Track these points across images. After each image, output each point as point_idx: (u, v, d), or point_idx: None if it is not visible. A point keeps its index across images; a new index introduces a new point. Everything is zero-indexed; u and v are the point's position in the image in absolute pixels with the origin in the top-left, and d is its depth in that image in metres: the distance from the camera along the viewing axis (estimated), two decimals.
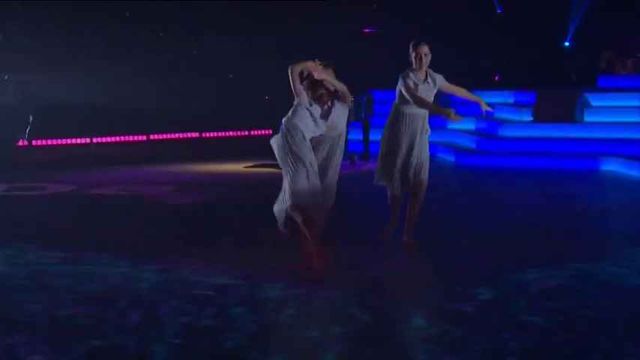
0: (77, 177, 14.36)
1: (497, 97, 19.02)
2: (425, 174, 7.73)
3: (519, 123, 17.60)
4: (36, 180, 13.71)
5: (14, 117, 16.14)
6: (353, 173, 14.77)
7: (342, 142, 6.99)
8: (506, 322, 5.41)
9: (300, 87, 6.61)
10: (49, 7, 20.71)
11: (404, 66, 7.71)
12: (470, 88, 8.09)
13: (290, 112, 6.64)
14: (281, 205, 6.72)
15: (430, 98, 7.67)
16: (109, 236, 8.70)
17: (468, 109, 18.37)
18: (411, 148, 7.65)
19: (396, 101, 7.73)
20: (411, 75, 7.59)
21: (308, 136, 6.65)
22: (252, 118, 23.79)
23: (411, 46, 7.65)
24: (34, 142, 19.79)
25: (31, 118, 16.54)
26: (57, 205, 11.28)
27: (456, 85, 7.90)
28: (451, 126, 18.08)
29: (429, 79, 7.66)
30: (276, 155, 6.75)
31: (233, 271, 6.87)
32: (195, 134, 24.26)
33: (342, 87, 6.75)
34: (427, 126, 7.77)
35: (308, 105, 6.61)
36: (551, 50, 21.75)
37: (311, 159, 6.59)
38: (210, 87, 23.68)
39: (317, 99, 6.67)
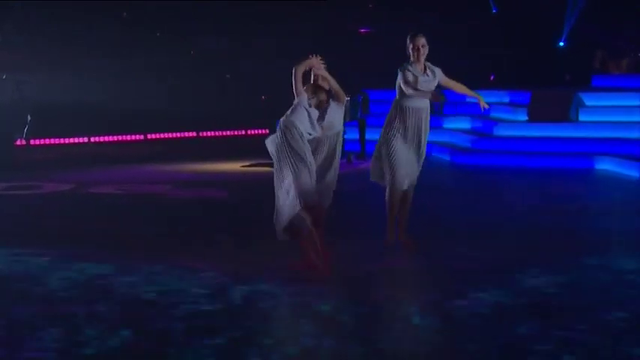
0: (75, 176, 14.40)
1: (492, 97, 19.03)
2: (418, 173, 7.70)
3: (514, 122, 17.66)
4: (34, 179, 13.76)
5: (12, 116, 16.21)
6: (349, 172, 14.76)
7: (340, 141, 7.03)
8: (505, 321, 5.43)
9: (301, 88, 6.65)
10: (47, 7, 20.72)
11: (398, 64, 7.60)
12: (468, 88, 8.14)
13: (289, 111, 6.66)
14: (284, 208, 6.65)
15: (429, 90, 7.51)
16: (107, 235, 8.71)
17: (463, 108, 18.47)
18: (417, 145, 7.55)
19: (397, 97, 7.60)
20: (410, 68, 7.46)
21: (305, 135, 6.66)
22: (249, 117, 23.82)
23: (408, 39, 7.52)
24: (32, 142, 19.83)
25: (29, 118, 16.61)
26: (55, 204, 11.32)
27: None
28: (447, 125, 18.19)
29: (428, 71, 7.53)
30: (273, 154, 6.74)
31: (232, 269, 6.89)
32: (193, 133, 24.29)
33: (337, 86, 6.78)
34: (428, 124, 7.68)
35: (307, 106, 6.65)
36: (546, 50, 21.80)
37: (311, 159, 6.61)
38: (208, 87, 23.70)
39: (317, 104, 6.73)
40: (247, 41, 23.49)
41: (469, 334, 5.14)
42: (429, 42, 7.49)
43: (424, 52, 7.45)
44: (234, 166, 15.86)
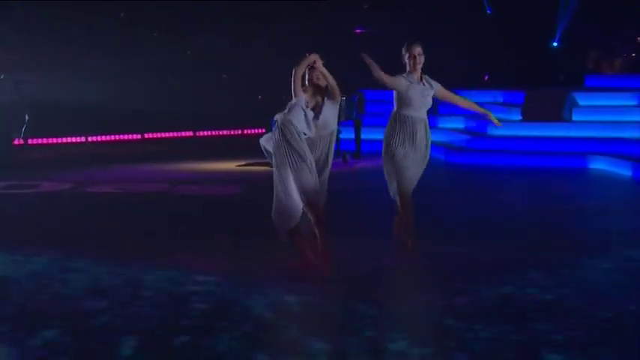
0: (73, 175, 14.45)
1: (486, 97, 19.19)
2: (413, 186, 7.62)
3: (508, 122, 17.68)
4: (32, 178, 13.81)
5: (10, 116, 16.25)
6: (345, 171, 14.90)
7: (333, 140, 7.05)
8: (505, 321, 5.42)
9: (300, 89, 6.66)
10: (45, 7, 20.74)
11: (396, 65, 7.52)
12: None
13: (286, 110, 6.67)
14: (287, 209, 6.64)
15: (426, 100, 7.44)
16: (105, 234, 8.71)
17: (456, 108, 18.54)
18: (421, 158, 7.52)
19: (395, 108, 7.53)
20: (405, 75, 7.41)
21: (302, 135, 6.66)
22: (246, 117, 23.86)
23: (404, 48, 7.45)
24: (30, 141, 19.87)
25: (27, 117, 16.66)
26: (52, 203, 11.35)
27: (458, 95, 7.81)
28: (441, 124, 18.29)
29: (424, 81, 7.46)
30: (269, 153, 6.73)
31: (231, 268, 6.90)
32: (189, 133, 24.34)
33: (334, 82, 6.79)
34: (429, 137, 7.61)
35: (304, 106, 6.67)
36: (540, 50, 21.89)
37: (310, 157, 6.62)
38: (204, 86, 23.74)
39: (314, 106, 6.76)
40: (244, 41, 23.52)
41: (469, 334, 5.14)
42: (424, 50, 7.42)
43: (420, 60, 7.37)
44: (231, 166, 15.92)
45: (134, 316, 5.58)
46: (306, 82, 6.78)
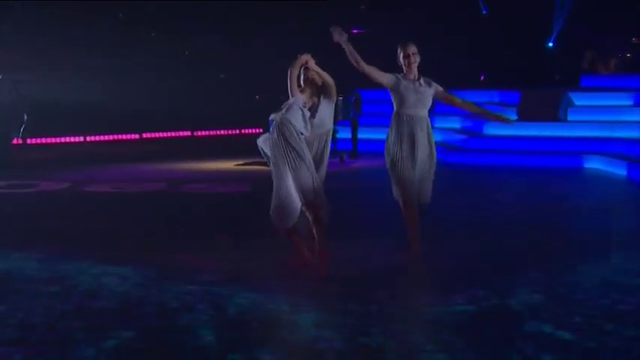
0: (71, 175, 14.53)
1: (482, 97, 19.28)
2: (426, 191, 7.28)
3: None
4: (31, 178, 13.87)
5: (9, 116, 16.32)
6: (342, 171, 14.97)
7: (329, 138, 7.03)
8: (505, 320, 5.42)
9: (297, 89, 6.68)
10: (44, 7, 20.79)
11: (392, 66, 7.39)
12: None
13: (283, 110, 6.67)
14: (286, 208, 6.63)
15: (423, 98, 7.20)
16: (103, 233, 8.70)
17: (453, 108, 18.60)
18: (427, 158, 7.25)
19: (394, 108, 7.33)
20: (400, 76, 7.23)
21: (300, 134, 6.65)
22: (243, 116, 23.93)
23: (398, 47, 7.29)
24: (28, 141, 19.93)
25: (25, 117, 16.73)
26: (51, 203, 11.38)
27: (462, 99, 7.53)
28: (437, 124, 18.37)
29: (422, 80, 7.25)
30: (267, 154, 6.72)
31: (229, 267, 6.91)
32: (187, 133, 24.42)
33: (330, 79, 6.79)
34: (431, 136, 7.36)
35: (302, 106, 6.68)
36: (536, 51, 21.96)
37: (309, 157, 6.62)
38: (203, 86, 23.82)
39: (310, 106, 6.75)
40: (241, 41, 23.58)
41: (468, 333, 5.13)
42: (420, 50, 7.26)
43: (415, 59, 7.19)
44: (228, 165, 16.00)
45: (133, 315, 5.56)
46: (302, 82, 6.79)
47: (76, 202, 11.43)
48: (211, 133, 24.67)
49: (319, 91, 6.84)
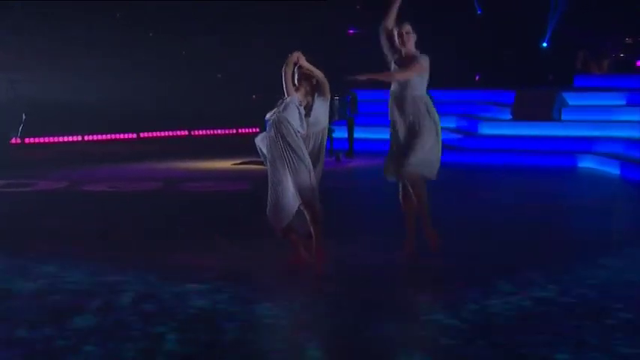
0: (70, 174, 14.58)
1: (477, 96, 19.45)
2: (409, 162, 7.02)
3: (499, 121, 17.92)
4: (29, 177, 13.90)
5: (7, 115, 16.39)
6: (338, 170, 15.04)
7: (325, 136, 7.04)
8: (506, 319, 5.38)
9: (292, 88, 6.69)
10: (42, 7, 20.84)
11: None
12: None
13: (280, 108, 6.66)
14: (284, 207, 6.62)
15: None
16: (100, 232, 8.67)
17: (449, 107, 18.71)
18: (410, 136, 7.08)
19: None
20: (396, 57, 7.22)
21: (297, 133, 6.65)
22: (240, 116, 23.98)
23: (395, 28, 7.25)
24: (26, 140, 19.99)
25: (23, 117, 16.79)
26: (50, 202, 11.38)
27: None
28: None
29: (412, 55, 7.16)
30: (264, 153, 6.72)
31: (227, 266, 6.90)
32: (185, 132, 24.47)
33: (322, 76, 6.80)
34: (422, 116, 7.10)
35: (298, 104, 6.69)
36: (530, 51, 22.05)
37: (307, 155, 6.64)
38: (199, 86, 23.85)
39: (306, 104, 6.76)
40: (239, 41, 23.62)
41: (468, 333, 5.09)
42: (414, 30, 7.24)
43: (408, 38, 7.18)
44: (225, 164, 16.06)
45: (131, 315, 5.50)
46: (296, 81, 6.79)
47: (74, 202, 11.42)
48: (208, 132, 24.71)
49: (313, 89, 6.84)
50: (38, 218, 9.80)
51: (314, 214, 6.64)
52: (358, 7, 23.54)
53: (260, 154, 6.83)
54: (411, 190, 7.09)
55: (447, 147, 17.20)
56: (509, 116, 17.77)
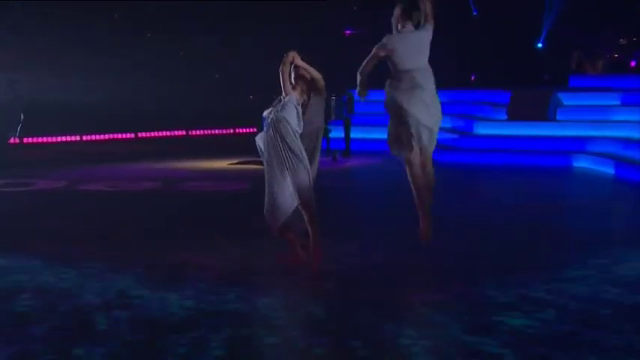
0: (68, 174, 14.63)
1: (473, 96, 19.52)
2: (427, 141, 7.18)
3: (494, 121, 17.98)
4: (28, 177, 13.95)
5: (6, 115, 16.42)
6: (334, 170, 15.02)
7: (321, 136, 7.07)
8: (505, 319, 5.38)
9: (289, 87, 6.72)
10: (41, 7, 20.87)
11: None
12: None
13: (278, 107, 6.69)
14: (281, 206, 6.64)
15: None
16: (100, 232, 8.68)
17: (443, 107, 18.74)
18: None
19: None
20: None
21: (296, 132, 6.66)
22: (237, 116, 24.01)
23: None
24: (25, 140, 20.02)
25: (22, 117, 16.81)
26: (48, 202, 11.40)
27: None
28: None
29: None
30: (263, 151, 6.73)
31: (225, 266, 6.91)
32: (182, 132, 24.51)
33: (317, 74, 6.82)
34: (419, 82, 7.21)
35: (296, 103, 6.70)
36: (525, 51, 22.10)
37: (305, 155, 6.65)
38: (197, 86, 23.88)
39: (303, 102, 6.78)
40: (236, 42, 23.64)
41: (467, 333, 5.10)
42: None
43: (399, 20, 7.36)
44: (222, 164, 16.12)
45: (130, 314, 5.51)
46: (292, 80, 6.79)
47: (73, 201, 11.44)
48: (206, 132, 24.74)
49: (309, 88, 6.85)
50: (37, 218, 9.81)
51: (312, 215, 6.66)
52: (355, 8, 23.58)
53: (260, 153, 6.85)
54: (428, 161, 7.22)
55: (442, 147, 17.36)
56: (505, 116, 17.83)
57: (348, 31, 24.02)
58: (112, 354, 4.76)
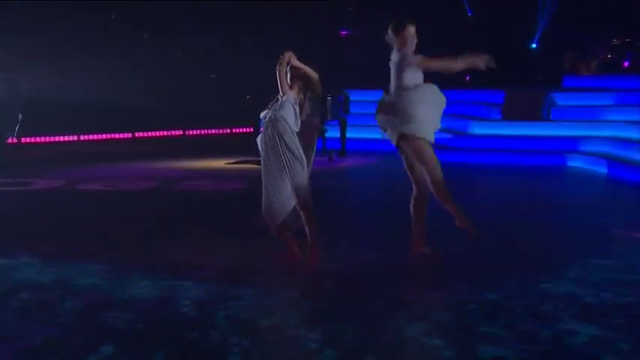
0: (66, 173, 14.70)
1: (467, 96, 19.65)
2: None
3: (489, 121, 18.12)
4: (26, 176, 14.01)
5: (4, 115, 16.47)
6: (330, 170, 15.08)
7: (316, 135, 7.10)
8: (505, 318, 5.38)
9: (287, 87, 6.75)
10: (43, 7, 20.90)
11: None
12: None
13: (277, 107, 6.70)
14: (278, 205, 6.67)
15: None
16: (99, 232, 8.67)
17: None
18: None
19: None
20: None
21: (294, 131, 6.68)
22: (234, 116, 24.05)
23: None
24: (23, 140, 20.06)
25: (20, 116, 16.86)
26: (47, 201, 11.41)
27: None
28: None
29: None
30: (261, 150, 6.73)
31: (224, 265, 6.93)
32: (179, 132, 24.54)
33: (313, 72, 6.84)
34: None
35: (294, 103, 6.73)
36: (519, 51, 22.20)
37: (302, 154, 6.67)
38: (194, 86, 23.93)
39: (300, 101, 6.80)
40: (233, 41, 23.68)
41: (465, 332, 5.12)
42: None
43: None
44: (219, 164, 16.22)
45: (129, 315, 5.51)
46: (289, 80, 6.81)
47: (71, 201, 11.45)
48: (203, 132, 24.78)
49: (306, 87, 6.87)
50: (35, 217, 9.82)
51: (309, 215, 6.70)
52: (351, 8, 23.65)
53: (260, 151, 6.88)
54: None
55: (437, 147, 17.29)
56: (499, 116, 17.96)
57: (343, 32, 24.07)
58: (111, 353, 4.77)
